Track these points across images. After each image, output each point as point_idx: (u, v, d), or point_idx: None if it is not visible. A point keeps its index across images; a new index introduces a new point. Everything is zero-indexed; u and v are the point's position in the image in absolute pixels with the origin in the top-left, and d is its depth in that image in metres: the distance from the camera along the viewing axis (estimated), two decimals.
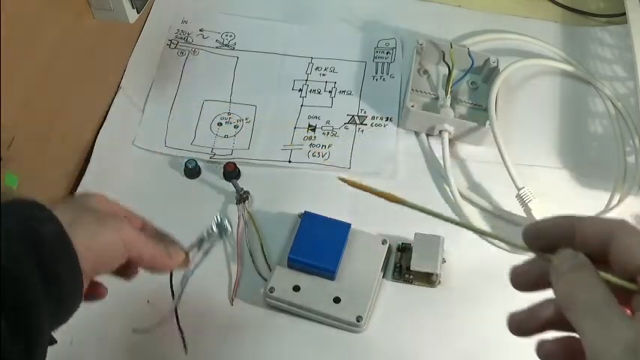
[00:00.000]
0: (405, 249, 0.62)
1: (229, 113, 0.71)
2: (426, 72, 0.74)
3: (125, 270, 0.45)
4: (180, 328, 0.57)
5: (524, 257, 0.65)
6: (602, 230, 0.31)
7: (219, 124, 0.71)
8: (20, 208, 0.39)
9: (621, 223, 0.31)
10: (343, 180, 0.39)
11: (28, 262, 0.37)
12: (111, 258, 0.43)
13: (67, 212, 0.40)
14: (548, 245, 0.33)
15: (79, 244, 0.39)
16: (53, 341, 0.40)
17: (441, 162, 0.68)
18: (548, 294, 0.33)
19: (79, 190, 0.63)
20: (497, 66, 0.71)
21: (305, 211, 0.61)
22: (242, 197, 0.64)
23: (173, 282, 0.57)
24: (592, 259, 0.30)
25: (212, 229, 0.53)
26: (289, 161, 0.68)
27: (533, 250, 0.34)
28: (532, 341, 0.60)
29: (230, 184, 0.65)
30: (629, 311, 0.29)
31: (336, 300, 0.58)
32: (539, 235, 0.34)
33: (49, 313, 0.37)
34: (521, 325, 0.33)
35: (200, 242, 0.52)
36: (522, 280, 0.34)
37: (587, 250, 0.31)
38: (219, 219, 0.54)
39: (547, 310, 0.32)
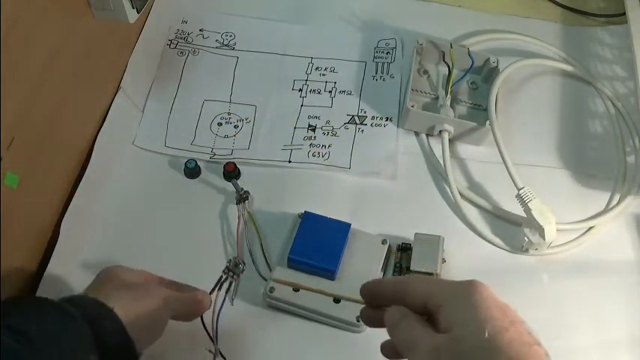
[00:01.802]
0: (405, 249, 0.62)
1: (229, 113, 0.71)
2: (426, 72, 0.74)
3: None
4: None
5: (523, 258, 0.66)
6: (422, 289, 0.39)
7: (219, 124, 0.71)
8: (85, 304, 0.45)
9: (428, 281, 0.43)
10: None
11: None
12: (159, 321, 0.49)
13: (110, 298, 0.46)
14: (385, 303, 0.41)
15: (130, 324, 0.45)
16: None
17: (441, 162, 0.68)
18: None
19: (79, 190, 0.63)
20: (497, 66, 0.71)
21: (305, 211, 0.61)
22: (242, 197, 0.64)
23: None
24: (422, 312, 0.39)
25: (227, 269, 0.56)
26: (289, 161, 0.68)
27: (370, 305, 0.43)
28: None
29: (230, 184, 0.65)
30: None
31: (336, 300, 0.58)
32: (375, 296, 0.42)
33: None
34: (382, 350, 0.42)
35: (219, 283, 0.55)
36: (369, 322, 0.43)
37: (415, 306, 0.39)
38: (232, 261, 0.56)
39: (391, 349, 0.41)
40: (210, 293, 0.54)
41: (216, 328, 0.54)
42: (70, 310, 0.43)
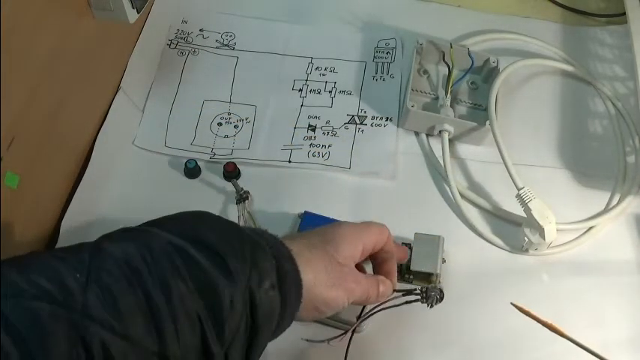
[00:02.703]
0: None
1: (229, 113, 0.71)
2: (426, 72, 0.74)
3: None
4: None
5: (523, 258, 0.66)
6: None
7: (219, 124, 0.71)
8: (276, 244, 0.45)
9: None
10: (515, 306, 0.47)
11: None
12: (332, 309, 0.48)
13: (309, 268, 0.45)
14: None
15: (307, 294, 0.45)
16: None
17: (441, 162, 0.68)
18: None
19: (79, 190, 0.63)
20: (497, 66, 0.71)
21: (305, 211, 0.61)
22: (242, 197, 0.63)
23: None
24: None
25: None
26: (289, 161, 0.68)
27: None
28: (531, 341, 0.60)
29: (230, 184, 0.65)
30: None
31: None
32: None
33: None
34: None
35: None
36: None
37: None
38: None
39: None
40: None
41: None
42: (262, 243, 0.43)
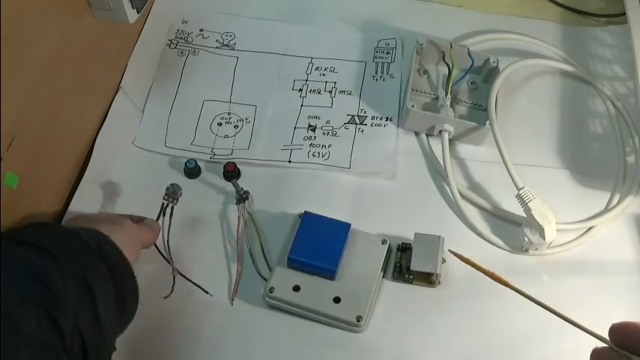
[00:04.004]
0: (405, 249, 0.62)
1: (229, 113, 0.71)
2: (426, 72, 0.74)
3: None
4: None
5: (523, 258, 0.66)
6: None
7: (219, 124, 0.71)
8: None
9: None
10: (453, 252, 0.47)
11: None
12: (136, 247, 0.54)
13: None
14: (632, 345, 0.39)
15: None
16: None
17: (441, 162, 0.68)
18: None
19: (79, 190, 0.63)
20: (497, 66, 0.71)
21: (305, 211, 0.61)
22: (242, 197, 0.63)
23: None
24: None
25: (167, 196, 0.60)
26: (289, 161, 0.68)
27: (616, 345, 0.40)
28: (531, 341, 0.60)
29: (230, 184, 0.65)
30: None
31: (336, 300, 0.58)
32: (625, 335, 0.40)
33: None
34: None
35: (162, 210, 0.60)
36: None
37: None
38: (170, 187, 0.61)
39: None
40: (157, 220, 0.60)
41: (169, 250, 0.59)
42: (80, 233, 0.48)
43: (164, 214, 0.60)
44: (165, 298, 0.58)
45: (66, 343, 0.41)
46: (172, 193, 0.60)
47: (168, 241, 0.59)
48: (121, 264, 0.49)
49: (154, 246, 0.59)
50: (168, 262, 0.59)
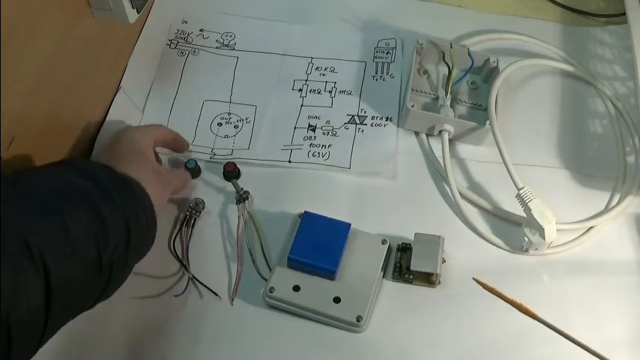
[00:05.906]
0: (405, 249, 0.62)
1: (229, 113, 0.71)
2: (426, 72, 0.74)
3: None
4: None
5: (523, 258, 0.66)
6: None
7: (219, 124, 0.71)
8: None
9: None
10: (477, 281, 0.51)
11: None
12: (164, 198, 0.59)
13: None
14: None
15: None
16: None
17: (441, 162, 0.68)
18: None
19: None
20: (497, 66, 0.71)
21: (305, 211, 0.61)
22: (242, 197, 0.64)
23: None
24: None
25: (190, 209, 0.63)
26: (289, 161, 0.68)
27: None
28: (531, 341, 0.60)
29: (230, 184, 0.65)
30: None
31: (336, 300, 0.58)
32: None
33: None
34: None
35: (185, 221, 0.63)
36: None
37: None
38: (194, 201, 0.64)
39: None
40: (179, 230, 0.62)
41: (187, 256, 0.61)
42: (129, 181, 0.52)
43: (186, 225, 0.62)
44: (177, 296, 0.59)
45: (102, 271, 0.48)
46: (195, 206, 0.63)
47: (187, 248, 0.61)
48: (153, 217, 0.54)
49: (170, 251, 0.61)
50: (186, 269, 0.60)
